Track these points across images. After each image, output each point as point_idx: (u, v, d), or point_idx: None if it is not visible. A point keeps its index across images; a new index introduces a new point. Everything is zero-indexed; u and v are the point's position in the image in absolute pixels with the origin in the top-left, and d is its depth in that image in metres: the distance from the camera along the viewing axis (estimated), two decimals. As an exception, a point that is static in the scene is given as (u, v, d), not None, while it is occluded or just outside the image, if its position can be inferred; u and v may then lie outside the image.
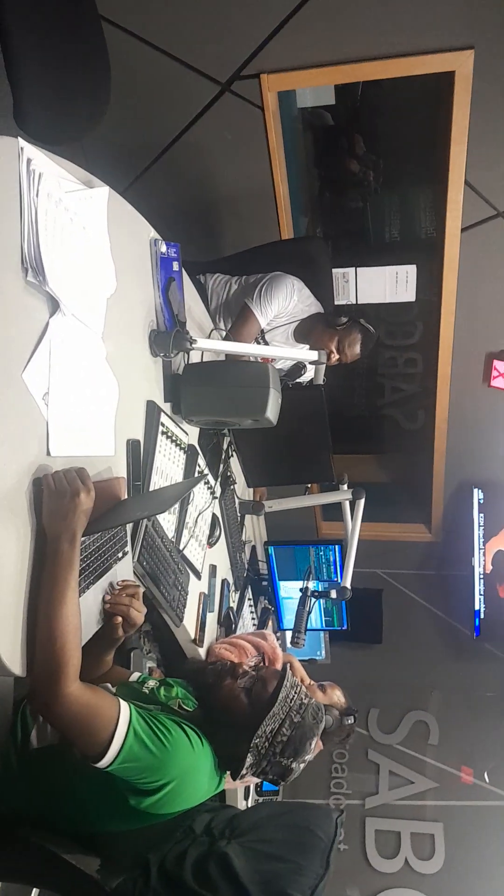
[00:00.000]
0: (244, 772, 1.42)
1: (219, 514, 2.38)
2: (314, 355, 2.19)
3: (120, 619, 1.44)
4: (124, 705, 1.30)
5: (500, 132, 2.69)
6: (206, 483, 2.24)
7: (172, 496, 1.56)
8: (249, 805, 2.52)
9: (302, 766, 1.45)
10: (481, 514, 3.88)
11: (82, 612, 1.29)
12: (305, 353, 2.24)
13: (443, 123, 2.77)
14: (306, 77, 2.71)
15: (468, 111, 2.65)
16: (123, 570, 1.57)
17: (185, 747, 1.35)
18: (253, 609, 2.86)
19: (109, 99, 2.18)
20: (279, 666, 2.19)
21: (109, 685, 1.53)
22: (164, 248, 1.79)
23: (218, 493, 2.36)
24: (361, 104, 3.95)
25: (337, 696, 2.35)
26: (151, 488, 1.73)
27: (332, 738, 2.29)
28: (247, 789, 2.64)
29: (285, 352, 2.44)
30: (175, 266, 1.87)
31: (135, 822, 1.40)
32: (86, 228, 1.38)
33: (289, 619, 2.87)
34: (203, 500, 2.19)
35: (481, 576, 3.86)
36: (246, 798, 2.55)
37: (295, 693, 1.46)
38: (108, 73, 2.19)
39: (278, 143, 2.90)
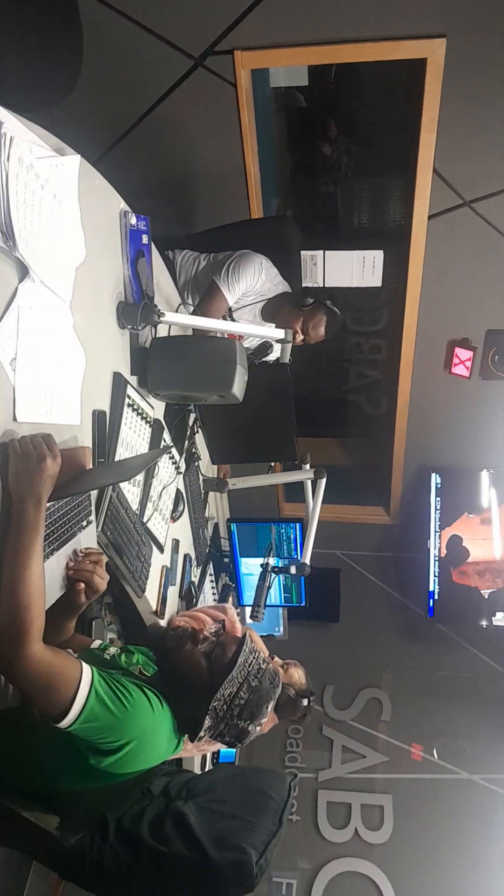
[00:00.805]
0: (202, 734, 1.46)
1: (183, 490, 2.41)
2: (280, 333, 2.22)
3: (83, 585, 1.47)
4: (86, 666, 1.33)
5: (469, 123, 2.74)
6: (170, 458, 2.26)
7: (137, 465, 1.58)
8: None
9: (258, 728, 1.50)
10: (438, 499, 3.99)
11: (45, 578, 1.30)
12: (272, 331, 2.27)
13: (414, 111, 2.81)
14: (280, 56, 2.71)
15: (438, 100, 2.68)
16: (87, 538, 1.58)
17: (144, 708, 1.38)
18: (214, 584, 2.91)
19: (81, 69, 2.16)
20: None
21: (71, 651, 1.56)
22: (133, 221, 1.79)
23: (182, 469, 2.38)
24: (334, 87, 3.97)
25: (298, 675, 2.41)
26: (116, 460, 1.75)
27: (287, 715, 2.35)
28: (203, 759, 2.70)
29: (252, 328, 2.46)
30: (144, 239, 1.87)
31: (94, 782, 1.44)
32: (56, 196, 1.38)
33: (249, 596, 2.92)
34: (167, 475, 2.21)
35: (437, 558, 3.97)
36: (203, 769, 2.60)
37: (253, 658, 1.50)
38: (81, 42, 2.17)
39: (250, 122, 2.90)
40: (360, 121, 4.08)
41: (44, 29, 2.07)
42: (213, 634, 1.56)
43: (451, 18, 2.53)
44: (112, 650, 1.64)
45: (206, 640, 1.53)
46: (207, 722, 1.44)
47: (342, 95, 4.00)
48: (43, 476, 1.22)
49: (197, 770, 2.53)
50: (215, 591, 2.92)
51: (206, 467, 2.75)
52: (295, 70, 3.31)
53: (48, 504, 1.27)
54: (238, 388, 1.92)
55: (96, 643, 1.70)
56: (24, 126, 1.32)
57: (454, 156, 2.85)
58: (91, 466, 1.56)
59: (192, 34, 2.67)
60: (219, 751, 2.92)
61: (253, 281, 2.52)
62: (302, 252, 3.15)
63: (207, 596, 2.77)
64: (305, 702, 2.47)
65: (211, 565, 2.85)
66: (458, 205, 3.01)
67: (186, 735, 1.53)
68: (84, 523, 1.56)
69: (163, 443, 2.12)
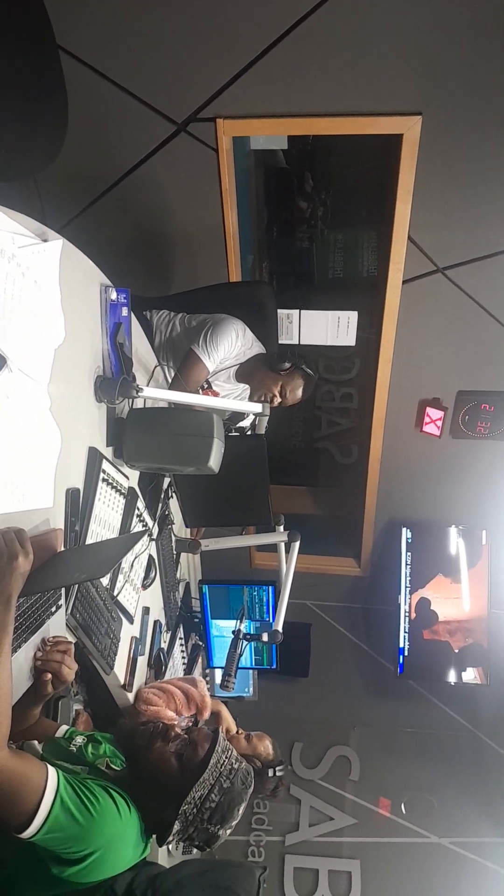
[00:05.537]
0: (170, 838, 1.41)
1: (155, 556, 2.37)
2: (258, 407, 2.22)
3: (50, 675, 1.42)
4: (52, 773, 1.27)
5: (442, 196, 2.80)
6: (142, 524, 2.22)
7: (112, 558, 1.54)
8: (170, 853, 2.48)
9: (228, 831, 1.45)
10: (409, 553, 3.99)
11: (14, 670, 1.26)
12: (250, 406, 2.27)
13: (390, 177, 2.87)
14: (261, 126, 2.76)
15: (413, 173, 2.75)
16: (56, 623, 1.54)
17: (112, 816, 1.33)
18: (184, 647, 2.84)
19: (65, 134, 2.16)
20: (208, 713, 2.19)
21: (35, 742, 1.50)
22: (114, 296, 1.79)
23: (155, 534, 2.34)
24: (313, 149, 4.06)
25: (263, 746, 2.36)
26: (89, 537, 1.71)
27: (255, 792, 2.29)
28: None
29: (231, 403, 2.46)
30: (124, 312, 1.86)
31: (55, 889, 1.37)
32: (37, 282, 1.36)
33: (219, 658, 2.86)
34: (140, 544, 2.17)
35: (406, 615, 3.96)
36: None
37: (226, 758, 1.46)
38: (66, 110, 2.17)
39: (230, 185, 2.93)
40: (337, 179, 4.17)
41: (27, 94, 2.08)
42: (184, 731, 1.51)
43: (427, 98, 2.60)
44: (79, 739, 1.57)
45: (177, 738, 1.49)
46: (177, 826, 1.39)
47: (320, 156, 4.10)
48: (14, 575, 1.19)
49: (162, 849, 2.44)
50: (184, 653, 2.86)
51: (179, 528, 2.71)
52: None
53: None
54: (215, 462, 1.90)
55: (62, 730, 1.64)
56: (7, 216, 1.30)
57: (428, 226, 2.91)
58: (62, 548, 1.53)
59: (177, 101, 2.70)
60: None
61: (230, 347, 2.53)
62: (279, 311, 3.18)
63: (177, 661, 2.71)
64: (272, 772, 2.40)
65: (181, 628, 2.80)
66: (431, 271, 3.06)
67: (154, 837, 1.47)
68: (53, 609, 1.51)
69: (136, 512, 2.08)
